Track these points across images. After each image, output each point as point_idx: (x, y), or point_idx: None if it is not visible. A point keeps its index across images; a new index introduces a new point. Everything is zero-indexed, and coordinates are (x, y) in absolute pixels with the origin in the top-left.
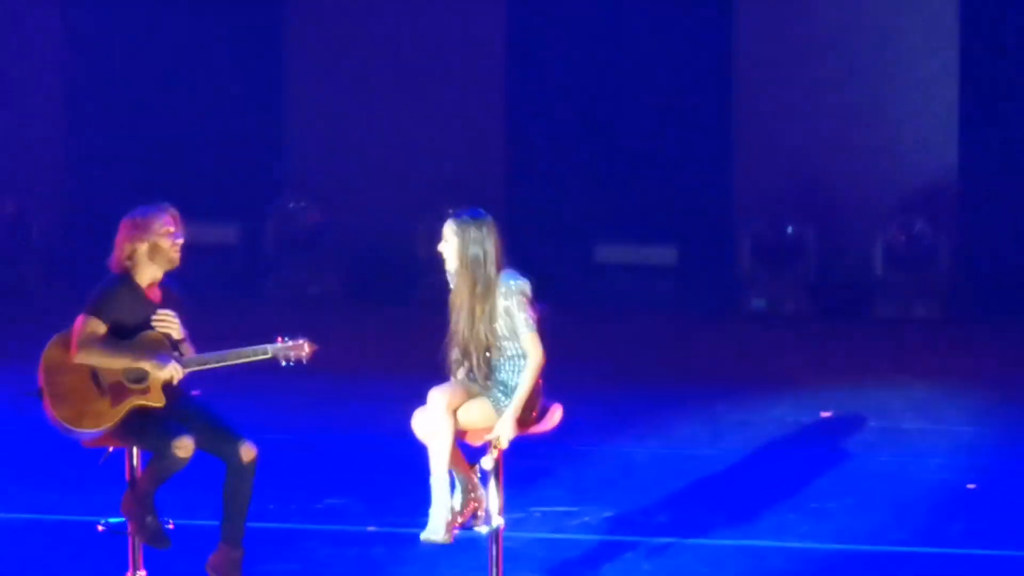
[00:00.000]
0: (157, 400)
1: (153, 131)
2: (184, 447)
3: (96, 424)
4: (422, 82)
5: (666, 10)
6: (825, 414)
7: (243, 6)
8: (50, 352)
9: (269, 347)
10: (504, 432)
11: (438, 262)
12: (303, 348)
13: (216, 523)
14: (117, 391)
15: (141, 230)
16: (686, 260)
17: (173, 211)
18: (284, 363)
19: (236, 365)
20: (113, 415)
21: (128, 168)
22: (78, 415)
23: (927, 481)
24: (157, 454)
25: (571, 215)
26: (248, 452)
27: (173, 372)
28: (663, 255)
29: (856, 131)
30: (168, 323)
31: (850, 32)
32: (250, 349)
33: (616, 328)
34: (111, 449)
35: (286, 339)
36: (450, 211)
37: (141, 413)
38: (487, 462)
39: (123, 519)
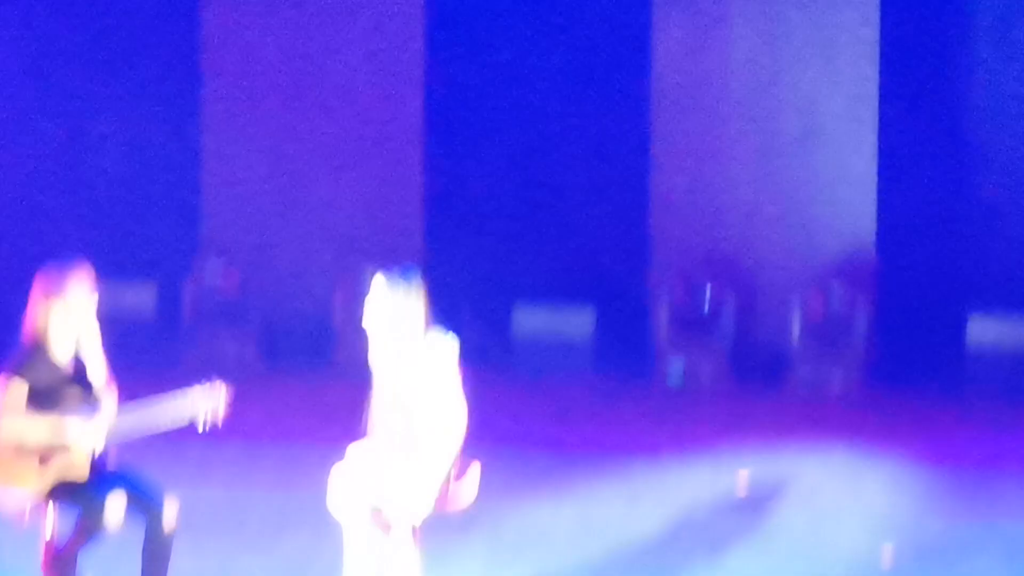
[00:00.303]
0: (83, 468)
1: (70, 192)
2: (116, 510)
3: (23, 484)
4: (339, 141)
5: (584, 75)
6: (742, 481)
7: (160, 65)
8: None
9: (185, 394)
10: (420, 506)
11: (356, 326)
12: (218, 391)
13: None
14: (43, 452)
15: (53, 292)
16: (603, 324)
17: (85, 267)
18: (204, 418)
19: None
20: (40, 475)
21: (44, 229)
22: (4, 477)
23: (844, 547)
24: (88, 517)
25: (489, 277)
26: (170, 520)
27: (96, 439)
28: (580, 319)
29: (775, 196)
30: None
31: (768, 98)
32: (169, 400)
33: (533, 392)
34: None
35: (198, 384)
36: (371, 274)
37: (70, 474)
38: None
39: None
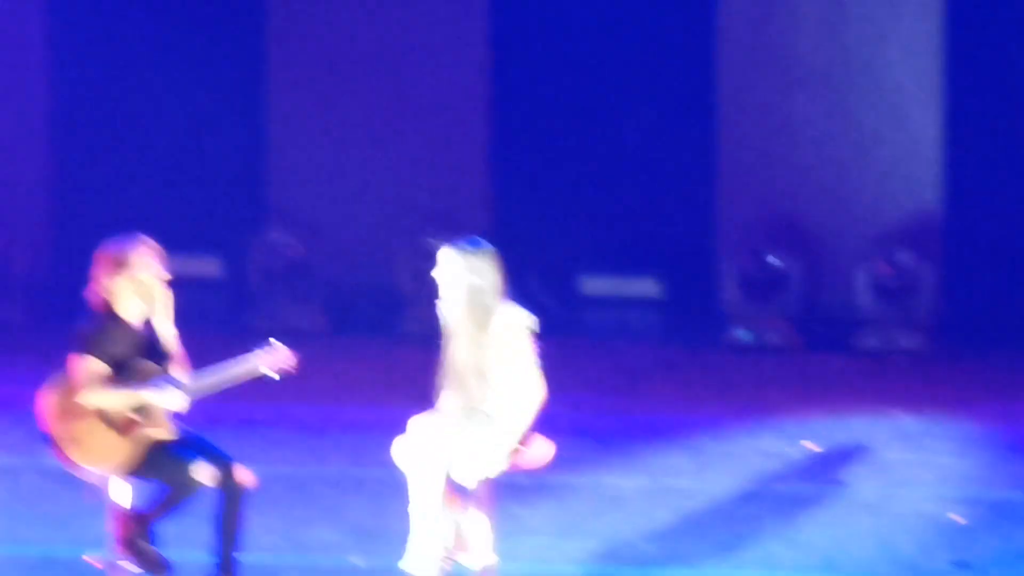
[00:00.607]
0: (167, 431)
1: (137, 164)
2: (202, 472)
3: (109, 460)
4: (405, 112)
5: (651, 44)
6: (809, 445)
7: (226, 39)
8: (49, 398)
9: (252, 357)
10: (493, 462)
11: (422, 294)
12: (279, 350)
13: (204, 555)
14: (126, 425)
15: (121, 264)
16: (670, 292)
17: (150, 242)
18: (275, 372)
19: (232, 387)
20: (125, 447)
21: (112, 202)
22: (90, 454)
23: (911, 512)
24: (175, 482)
25: (555, 246)
26: (245, 477)
27: (178, 401)
28: (647, 286)
29: (841, 160)
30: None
31: (834, 64)
32: (242, 362)
33: (600, 360)
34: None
35: (263, 347)
36: (436, 243)
37: (153, 444)
38: (469, 483)
39: (106, 551)
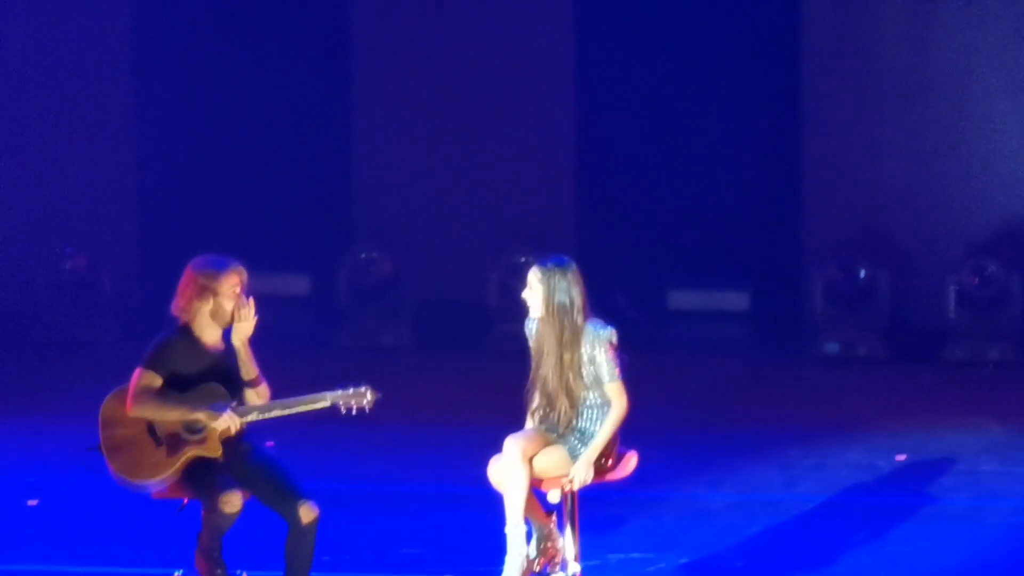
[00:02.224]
0: (214, 451)
1: (225, 182)
2: (231, 502)
3: (152, 475)
4: (491, 129)
5: (737, 58)
6: (900, 458)
7: (313, 57)
8: (107, 406)
9: (328, 395)
10: (580, 475)
11: (510, 310)
12: (365, 396)
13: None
14: (174, 442)
15: (207, 289)
16: (758, 305)
17: (240, 269)
18: (345, 411)
19: (297, 414)
20: (169, 465)
21: (200, 220)
22: (134, 467)
23: (1003, 524)
24: (207, 507)
25: (643, 261)
26: (308, 513)
27: (229, 422)
28: (735, 300)
29: (927, 171)
30: (249, 317)
31: (919, 75)
32: (309, 397)
33: (689, 373)
34: (186, 500)
35: (348, 387)
36: (523, 259)
37: (199, 464)
38: (554, 495)
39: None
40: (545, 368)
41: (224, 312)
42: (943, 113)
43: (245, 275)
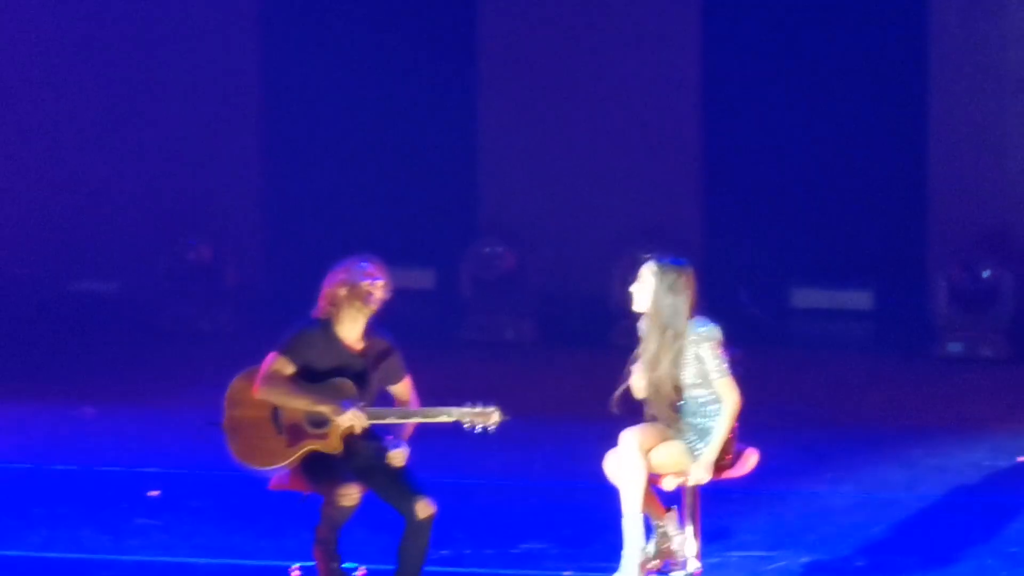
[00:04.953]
0: (334, 447)
1: (349, 175)
2: (349, 495)
3: (268, 462)
4: (617, 125)
5: (863, 58)
6: (1022, 459)
7: (437, 52)
8: (235, 386)
9: (455, 410)
10: (699, 475)
11: (631, 305)
12: (491, 416)
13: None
14: (294, 432)
15: (352, 292)
16: (881, 304)
17: (386, 277)
18: (468, 428)
19: (421, 424)
20: (285, 456)
21: (324, 213)
22: (251, 451)
23: None
24: (325, 499)
25: (767, 259)
26: (425, 509)
27: (354, 420)
28: (859, 299)
29: None
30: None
31: None
32: (435, 410)
33: (811, 372)
34: (306, 493)
35: (476, 404)
36: (647, 255)
37: (318, 457)
38: (669, 482)
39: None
40: (653, 362)
41: (365, 312)
42: None
43: (389, 281)
